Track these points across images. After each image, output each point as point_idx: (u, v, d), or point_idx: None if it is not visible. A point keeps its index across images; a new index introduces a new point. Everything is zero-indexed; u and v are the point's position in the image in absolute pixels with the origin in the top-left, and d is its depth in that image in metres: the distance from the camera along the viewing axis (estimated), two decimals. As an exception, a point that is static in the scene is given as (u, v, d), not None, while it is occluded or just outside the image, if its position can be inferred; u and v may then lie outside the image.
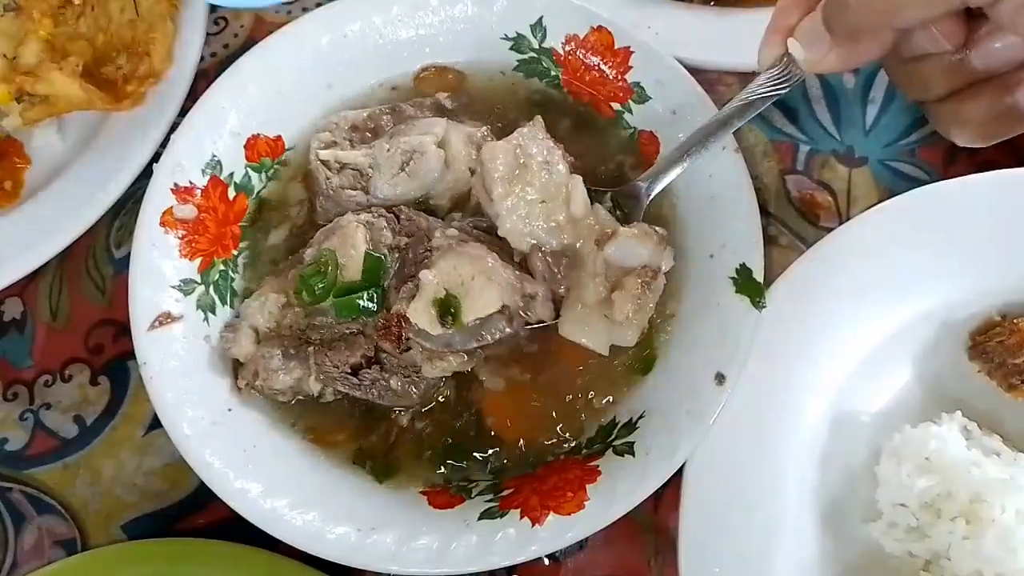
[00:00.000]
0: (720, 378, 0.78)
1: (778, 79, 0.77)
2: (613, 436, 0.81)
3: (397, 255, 0.84)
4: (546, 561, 0.89)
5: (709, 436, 0.78)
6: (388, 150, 0.87)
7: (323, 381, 0.83)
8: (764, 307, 0.79)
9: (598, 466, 0.79)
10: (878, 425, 0.87)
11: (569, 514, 0.76)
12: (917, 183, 0.91)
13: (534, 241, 0.82)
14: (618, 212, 0.86)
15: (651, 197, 0.85)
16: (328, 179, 0.88)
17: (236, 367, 0.86)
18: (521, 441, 0.83)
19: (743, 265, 0.80)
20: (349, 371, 0.82)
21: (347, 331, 0.84)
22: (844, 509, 0.86)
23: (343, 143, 0.90)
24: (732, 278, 0.81)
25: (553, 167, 0.82)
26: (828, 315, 0.87)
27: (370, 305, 0.82)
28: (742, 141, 0.98)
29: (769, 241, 0.94)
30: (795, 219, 0.97)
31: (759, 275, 0.80)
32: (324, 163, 0.88)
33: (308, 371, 0.83)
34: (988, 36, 0.63)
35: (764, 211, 0.95)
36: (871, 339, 0.88)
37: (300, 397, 0.85)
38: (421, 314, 0.79)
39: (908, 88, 0.71)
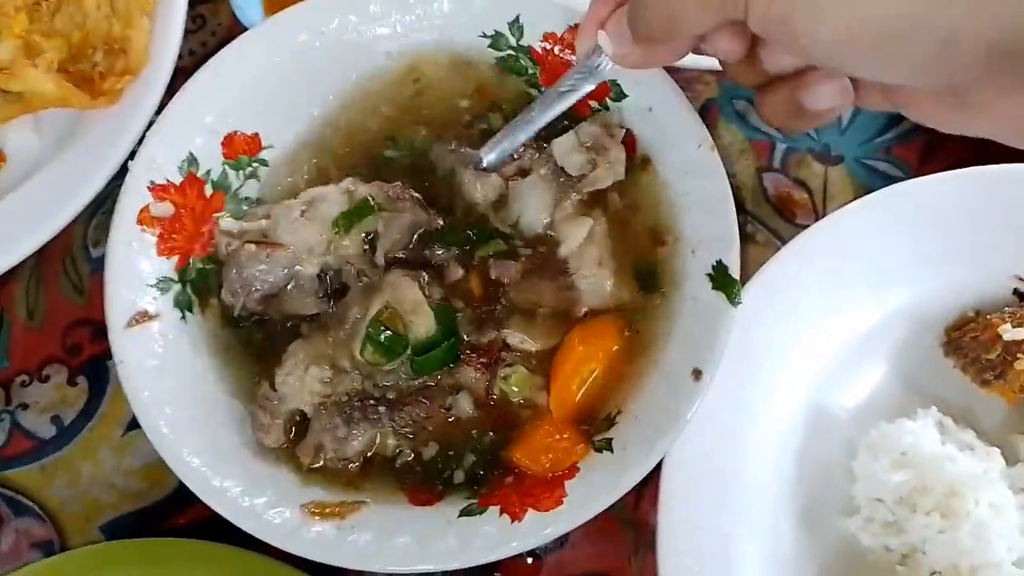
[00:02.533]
0: (697, 374, 0.78)
1: (588, 72, 0.78)
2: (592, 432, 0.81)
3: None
4: (528, 560, 0.89)
5: (687, 432, 0.78)
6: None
7: (401, 438, 0.82)
8: (740, 303, 0.80)
9: (577, 463, 0.79)
10: (854, 420, 0.88)
11: (548, 510, 0.76)
12: (892, 180, 0.92)
13: None
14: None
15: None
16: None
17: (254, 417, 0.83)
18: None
19: (719, 262, 0.81)
20: (427, 423, 0.82)
21: (418, 385, 0.83)
22: (821, 504, 0.87)
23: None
24: (708, 275, 0.81)
25: None
26: (804, 311, 0.88)
27: (453, 358, 0.82)
28: (719, 139, 0.99)
29: (746, 239, 0.95)
30: (772, 217, 0.97)
31: (735, 271, 0.80)
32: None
33: (383, 431, 0.81)
34: (763, 44, 0.65)
35: (741, 209, 0.96)
36: (847, 335, 0.89)
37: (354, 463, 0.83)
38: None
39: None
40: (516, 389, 0.83)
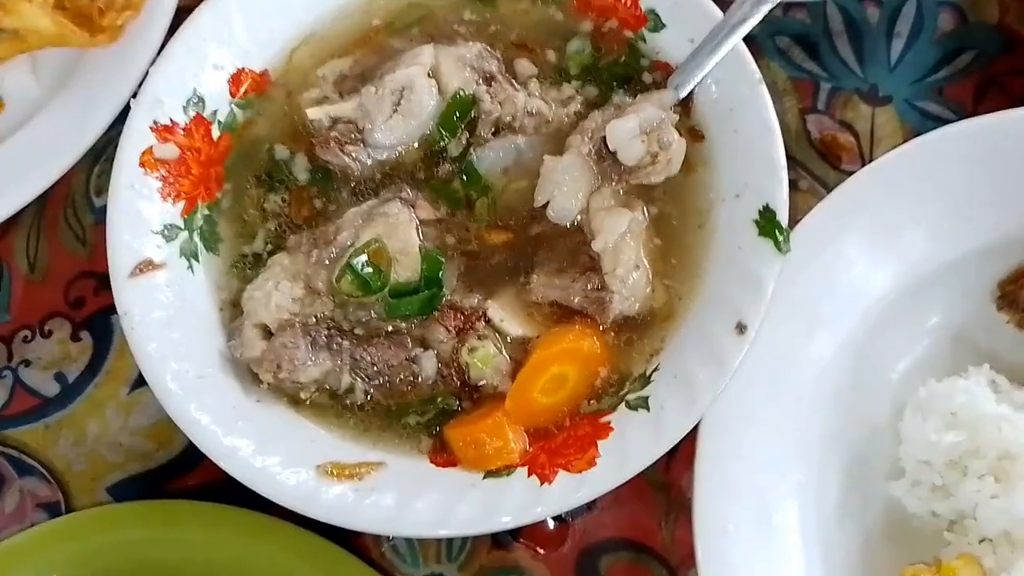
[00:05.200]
0: (741, 328, 0.73)
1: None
2: (626, 390, 0.77)
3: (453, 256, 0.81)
4: (551, 524, 0.85)
5: (725, 388, 0.74)
6: (376, 92, 0.80)
7: (358, 377, 0.78)
8: (788, 251, 0.74)
9: (610, 422, 0.75)
10: (902, 379, 0.84)
11: (580, 472, 0.72)
12: (944, 123, 0.85)
13: None
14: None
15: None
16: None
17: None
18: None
19: (766, 206, 0.75)
20: (387, 370, 0.78)
21: (389, 328, 0.79)
22: (866, 466, 0.82)
23: (333, 97, 0.84)
24: (755, 220, 0.76)
25: None
26: (850, 263, 0.82)
27: (430, 309, 0.78)
28: (760, 78, 0.93)
29: (789, 185, 0.90)
30: (816, 162, 0.92)
31: (783, 216, 0.75)
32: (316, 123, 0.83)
33: (341, 364, 0.77)
34: None
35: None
36: (894, 288, 0.84)
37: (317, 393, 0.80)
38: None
39: None
40: (480, 364, 0.78)
